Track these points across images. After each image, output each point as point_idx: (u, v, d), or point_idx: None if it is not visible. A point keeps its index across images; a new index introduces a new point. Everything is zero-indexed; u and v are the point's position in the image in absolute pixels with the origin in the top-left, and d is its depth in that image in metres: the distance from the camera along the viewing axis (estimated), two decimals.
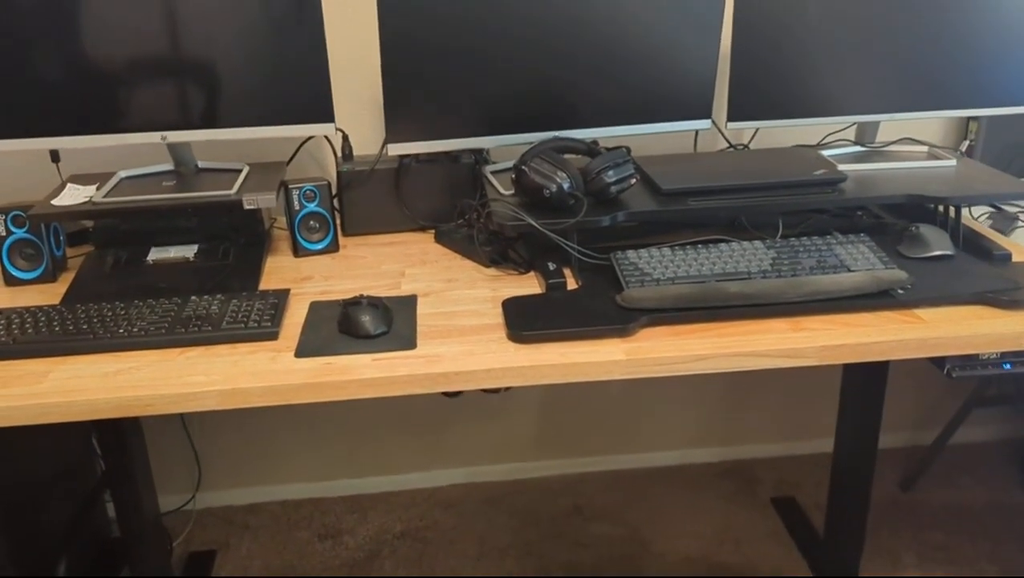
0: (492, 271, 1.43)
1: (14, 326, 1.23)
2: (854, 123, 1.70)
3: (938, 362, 1.24)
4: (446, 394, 2.08)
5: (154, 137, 1.46)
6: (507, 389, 2.09)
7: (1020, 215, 1.58)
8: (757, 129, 1.79)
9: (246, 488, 2.17)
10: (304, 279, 1.44)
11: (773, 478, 2.26)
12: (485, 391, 2.09)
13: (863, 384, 1.82)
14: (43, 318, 1.25)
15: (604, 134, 1.57)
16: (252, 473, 2.15)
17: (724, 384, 2.20)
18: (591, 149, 1.47)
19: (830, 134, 1.79)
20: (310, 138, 1.71)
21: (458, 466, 2.22)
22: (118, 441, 1.73)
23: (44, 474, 1.70)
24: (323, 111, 1.47)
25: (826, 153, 1.62)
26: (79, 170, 1.62)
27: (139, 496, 1.77)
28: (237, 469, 2.14)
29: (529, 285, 1.37)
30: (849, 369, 1.87)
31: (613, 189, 1.38)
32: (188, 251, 1.49)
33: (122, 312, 1.26)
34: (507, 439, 2.20)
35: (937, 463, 2.25)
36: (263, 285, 1.42)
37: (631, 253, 1.34)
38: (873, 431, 1.86)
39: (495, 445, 2.20)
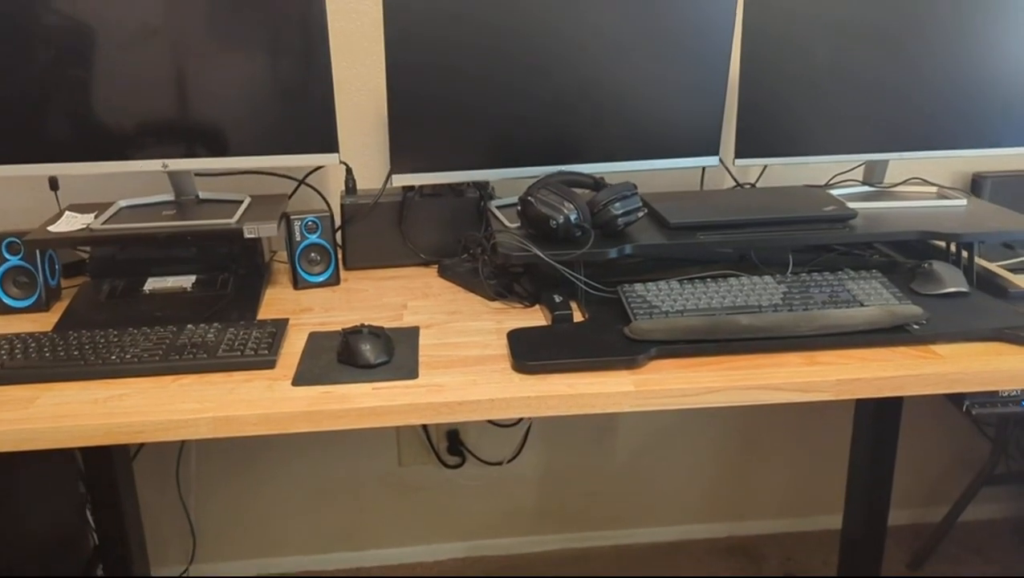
0: (497, 304, 1.40)
1: (2, 352, 1.19)
2: (862, 162, 1.68)
3: (956, 399, 1.20)
4: (447, 465, 2.04)
5: (155, 165, 1.44)
6: (510, 460, 2.05)
7: None
8: (765, 167, 1.78)
9: (241, 560, 2.09)
10: (303, 310, 1.40)
11: (779, 555, 2.18)
12: (487, 462, 2.05)
13: (873, 450, 1.79)
14: (33, 344, 1.21)
15: (610, 169, 1.56)
16: (248, 545, 2.08)
17: (730, 456, 2.14)
18: (597, 183, 1.45)
19: (838, 174, 1.78)
20: (315, 170, 1.69)
21: (459, 540, 2.15)
22: (113, 512, 1.70)
23: (37, 546, 1.64)
24: (327, 141, 1.46)
25: (834, 192, 1.60)
26: (78, 200, 1.60)
27: (133, 570, 1.73)
28: (232, 540, 2.07)
29: (534, 318, 1.34)
30: (858, 434, 1.84)
31: (620, 221, 1.35)
32: (186, 281, 1.46)
33: (115, 339, 1.22)
34: (509, 512, 2.14)
35: (946, 542, 2.19)
36: (261, 316, 1.39)
37: (639, 286, 1.31)
38: (883, 502, 1.83)
39: (497, 518, 2.14)
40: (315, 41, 1.41)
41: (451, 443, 2.03)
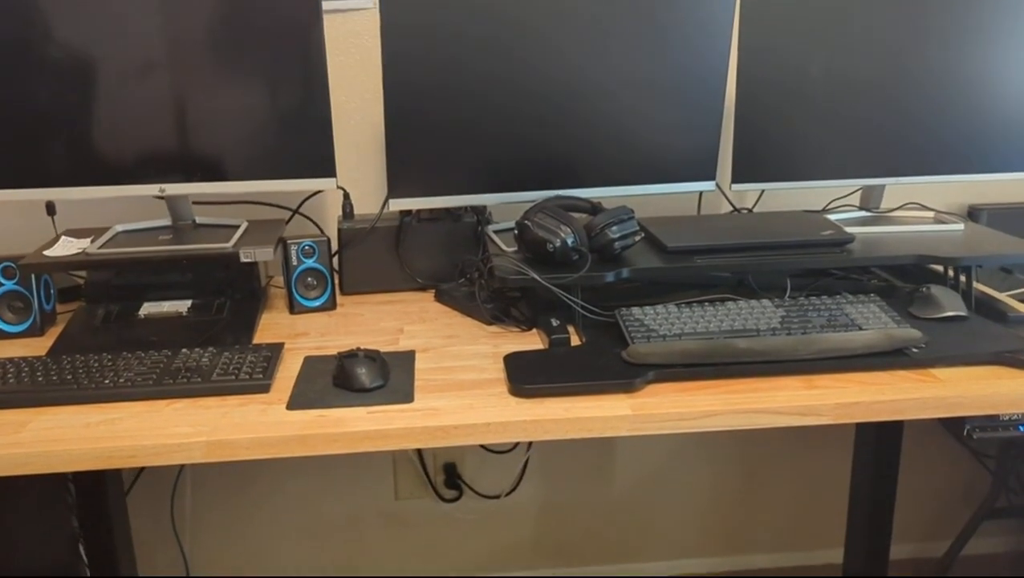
0: (494, 328, 1.39)
1: None
2: (859, 187, 1.69)
3: (957, 424, 1.19)
4: (444, 498, 2.02)
5: (152, 189, 1.44)
6: (508, 493, 2.03)
7: None
8: (763, 192, 1.78)
9: None
10: (299, 335, 1.39)
11: None
12: (484, 496, 2.03)
13: (874, 481, 1.78)
14: (26, 368, 1.21)
15: (607, 194, 1.56)
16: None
17: (729, 489, 2.11)
18: (594, 208, 1.45)
19: (834, 200, 1.78)
20: (312, 196, 1.69)
21: (455, 574, 2.12)
22: (106, 547, 1.68)
23: None
24: (325, 166, 1.46)
25: (831, 217, 1.60)
26: (75, 226, 1.60)
27: None
28: (227, 575, 2.04)
29: (531, 342, 1.33)
30: (858, 465, 1.82)
31: (617, 245, 1.35)
32: (181, 306, 1.45)
33: (108, 363, 1.22)
34: (507, 546, 2.10)
35: (948, 576, 2.16)
36: (257, 341, 1.38)
37: (636, 310, 1.31)
38: (885, 535, 1.81)
39: (494, 552, 2.11)
40: (314, 69, 1.42)
41: (448, 476, 2.01)
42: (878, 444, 1.78)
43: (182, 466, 1.91)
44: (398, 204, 1.49)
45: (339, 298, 1.56)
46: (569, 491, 2.07)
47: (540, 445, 1.99)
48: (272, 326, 1.44)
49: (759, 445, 2.07)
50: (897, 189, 1.72)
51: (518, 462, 2.01)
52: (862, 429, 1.83)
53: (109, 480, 1.67)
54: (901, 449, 1.78)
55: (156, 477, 1.92)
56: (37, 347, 1.36)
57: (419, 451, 1.95)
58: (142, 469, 1.90)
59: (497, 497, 2.04)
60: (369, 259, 1.59)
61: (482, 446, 1.95)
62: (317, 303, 1.50)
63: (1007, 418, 1.17)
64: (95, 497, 1.67)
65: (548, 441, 1.99)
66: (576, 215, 1.38)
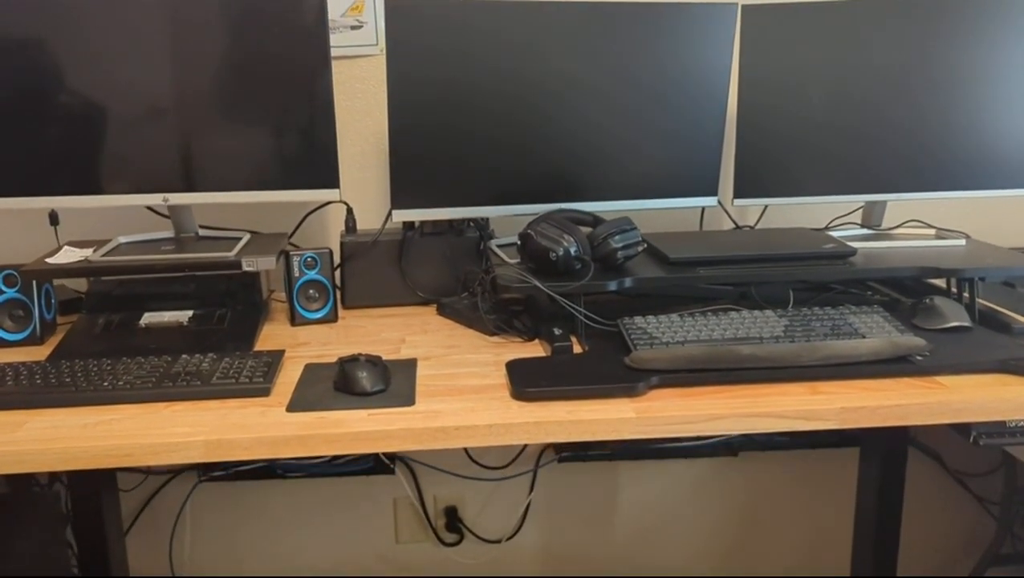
0: (496, 339, 1.39)
1: None
2: (862, 203, 1.69)
3: (963, 430, 1.17)
4: (444, 542, 1.99)
5: (156, 199, 1.44)
6: (509, 538, 2.00)
7: None
8: (765, 207, 1.78)
9: None
10: (300, 345, 1.39)
11: None
12: (486, 540, 2.00)
13: (877, 526, 1.76)
14: (24, 372, 1.20)
15: (609, 208, 1.56)
16: None
17: (732, 534, 2.08)
18: (597, 221, 1.45)
19: (836, 218, 1.78)
20: (317, 208, 1.70)
21: None
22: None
23: None
24: (328, 177, 1.46)
25: (833, 234, 1.60)
26: (78, 238, 1.60)
27: None
28: None
29: (534, 351, 1.32)
30: (862, 508, 1.81)
31: (620, 255, 1.35)
32: (182, 316, 1.45)
33: (108, 367, 1.21)
34: None
35: None
36: (258, 349, 1.37)
37: (638, 319, 1.30)
38: None
39: None
40: (320, 84, 1.43)
41: (449, 519, 1.98)
42: (881, 486, 1.75)
43: (182, 507, 1.89)
44: (401, 215, 1.49)
45: (341, 311, 1.56)
46: (571, 536, 2.04)
47: (541, 489, 1.97)
48: (273, 336, 1.44)
49: (762, 491, 2.04)
50: (898, 209, 1.72)
51: (520, 506, 1.98)
52: (865, 467, 1.81)
53: (108, 520, 1.66)
54: (904, 490, 1.76)
55: (155, 518, 1.90)
56: (36, 355, 1.35)
57: (420, 494, 1.93)
58: (142, 509, 1.89)
59: (498, 541, 2.01)
60: (371, 273, 1.58)
61: (480, 464, 1.92)
62: (318, 315, 1.50)
63: (1014, 425, 1.15)
64: (94, 537, 1.65)
65: (549, 483, 1.97)
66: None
